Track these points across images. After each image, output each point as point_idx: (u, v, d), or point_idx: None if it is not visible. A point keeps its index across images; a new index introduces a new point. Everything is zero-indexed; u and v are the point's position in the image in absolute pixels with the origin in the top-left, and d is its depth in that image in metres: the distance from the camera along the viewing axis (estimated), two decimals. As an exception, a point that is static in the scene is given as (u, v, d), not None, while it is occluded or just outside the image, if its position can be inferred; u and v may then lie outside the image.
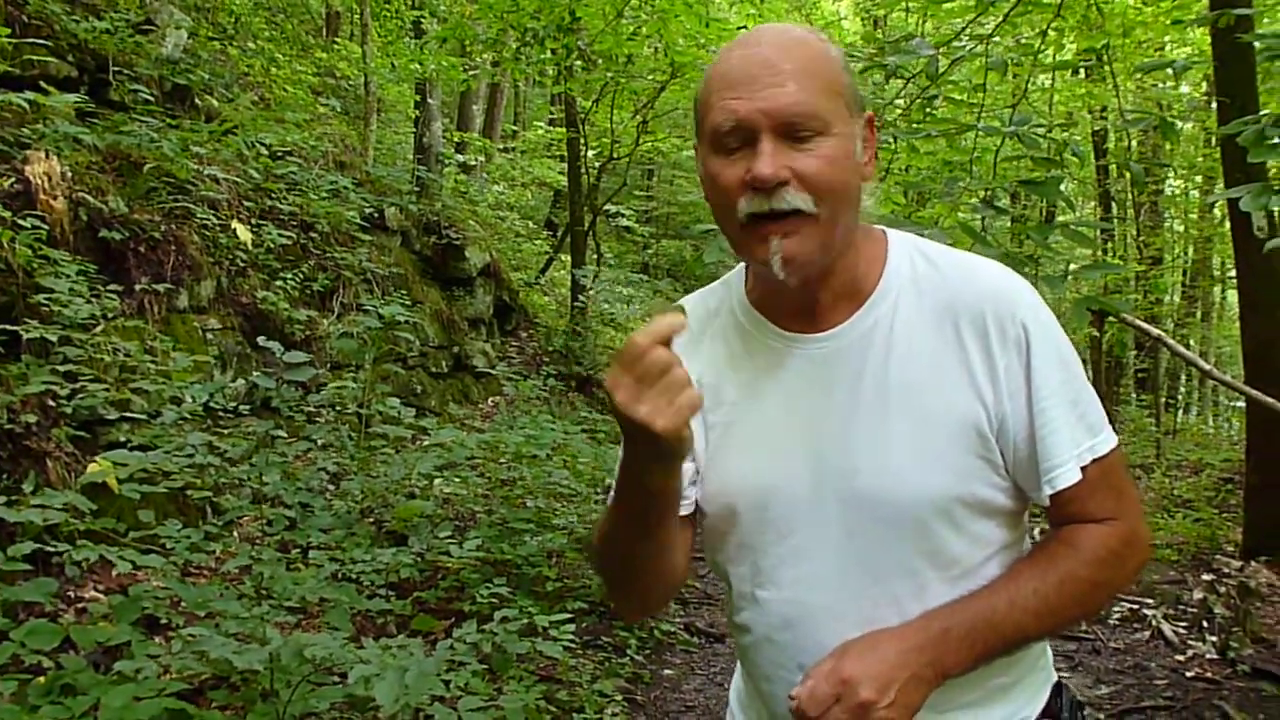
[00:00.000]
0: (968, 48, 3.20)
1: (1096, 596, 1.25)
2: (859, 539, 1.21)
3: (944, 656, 1.17)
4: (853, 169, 1.18)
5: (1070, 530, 1.23)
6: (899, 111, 3.73)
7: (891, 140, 3.50)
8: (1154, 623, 5.08)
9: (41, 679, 2.93)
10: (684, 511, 1.30)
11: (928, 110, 3.39)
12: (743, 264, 1.31)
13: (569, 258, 11.49)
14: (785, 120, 1.13)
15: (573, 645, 3.68)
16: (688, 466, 1.28)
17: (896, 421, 1.19)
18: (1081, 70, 8.43)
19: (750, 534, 1.27)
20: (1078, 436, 1.19)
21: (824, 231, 1.16)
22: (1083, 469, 1.19)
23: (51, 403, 3.79)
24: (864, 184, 1.22)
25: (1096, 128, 10.16)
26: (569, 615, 3.11)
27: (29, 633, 2.87)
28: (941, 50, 2.97)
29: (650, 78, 10.17)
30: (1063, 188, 3.11)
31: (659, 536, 1.24)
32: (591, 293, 10.68)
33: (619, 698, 4.04)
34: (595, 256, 11.86)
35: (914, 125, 3.50)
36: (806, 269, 1.17)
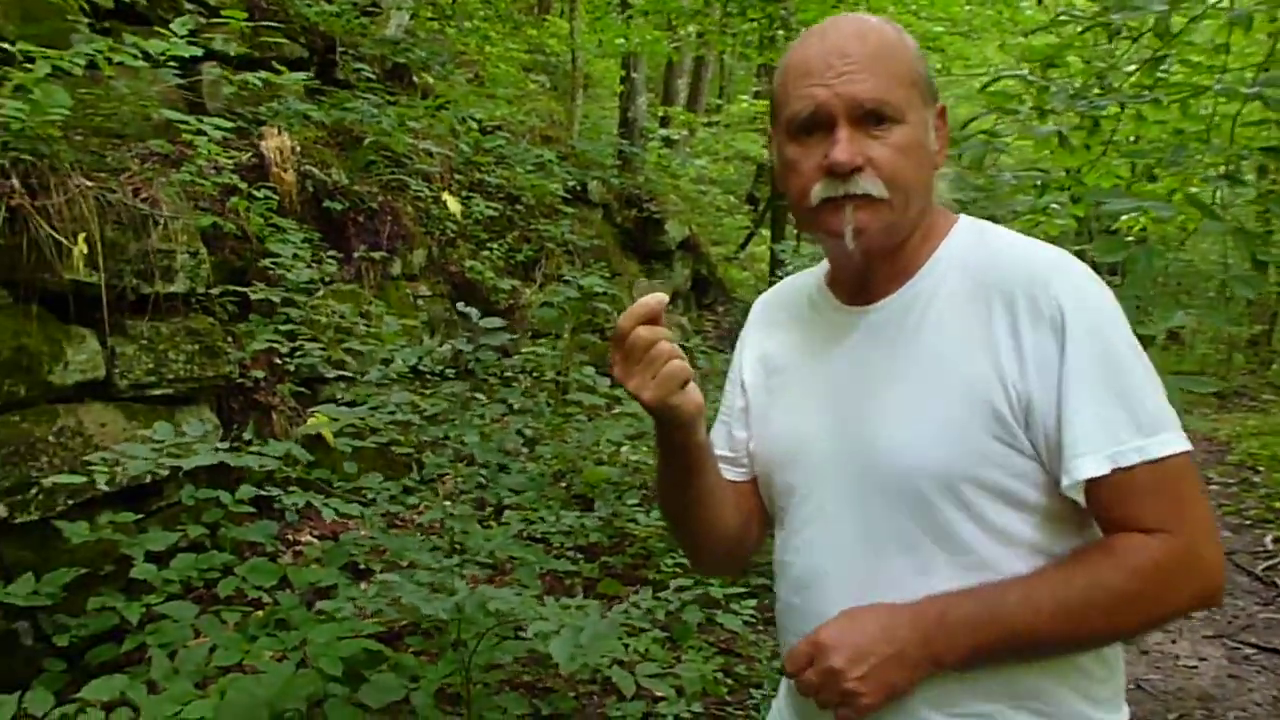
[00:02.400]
0: (1210, 1, 2.91)
1: (1131, 612, 1.12)
2: (867, 507, 1.20)
3: (936, 641, 1.13)
4: (924, 157, 1.21)
5: (1113, 537, 1.14)
6: (1129, 77, 3.45)
7: (1119, 107, 3.25)
8: None
9: (260, 613, 3.19)
10: (734, 476, 1.38)
11: (1160, 73, 3.11)
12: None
13: (769, 232, 11.38)
14: (862, 108, 1.16)
15: (753, 620, 3.66)
16: (735, 435, 1.40)
17: (914, 391, 1.18)
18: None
19: (784, 495, 1.32)
20: (1116, 430, 1.11)
21: (894, 215, 1.19)
22: (1127, 469, 1.10)
23: (277, 360, 4.09)
24: (936, 171, 1.25)
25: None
26: (748, 589, 3.08)
27: (251, 569, 3.13)
28: (1178, 6, 2.71)
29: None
30: (1316, 157, 2.79)
31: (693, 491, 1.30)
32: (790, 268, 10.53)
33: (798, 677, 3.99)
34: (795, 232, 11.69)
35: (1142, 90, 3.23)
36: (875, 242, 1.20)
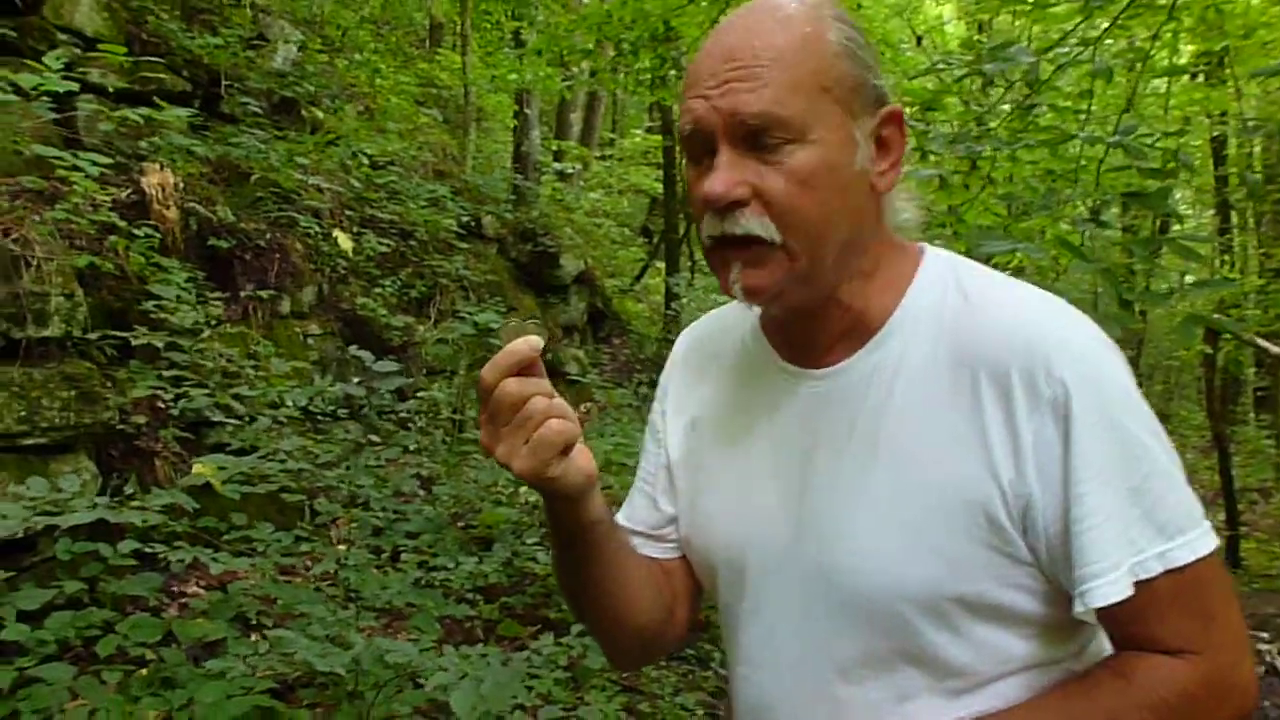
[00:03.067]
0: (1073, 53, 3.09)
1: None
2: (831, 628, 1.00)
3: None
4: (839, 185, 0.95)
5: (1127, 659, 0.96)
6: (1002, 121, 3.63)
7: (992, 150, 3.41)
8: (1269, 659, 4.83)
9: (144, 671, 3.05)
10: (656, 554, 1.17)
11: (1030, 119, 3.28)
12: None
13: (664, 265, 11.51)
14: (744, 123, 0.93)
15: (656, 657, 3.66)
16: (661, 509, 1.17)
17: (881, 490, 0.97)
18: (1200, 74, 8.09)
19: (729, 596, 1.10)
20: (1134, 537, 0.92)
21: (796, 263, 0.95)
22: (1146, 581, 0.92)
23: (160, 404, 3.95)
24: (880, 196, 1.00)
25: (1215, 134, 9.75)
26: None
27: (133, 626, 2.99)
28: (1045, 56, 2.87)
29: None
30: (1174, 198, 2.98)
31: (593, 577, 1.07)
32: (685, 301, 10.67)
33: (700, 712, 4.00)
34: (690, 264, 11.85)
35: (1015, 134, 3.40)
36: (779, 302, 0.99)
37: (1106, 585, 0.91)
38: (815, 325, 1.04)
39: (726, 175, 0.94)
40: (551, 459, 0.92)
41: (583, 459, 0.96)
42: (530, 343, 0.93)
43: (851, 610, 0.99)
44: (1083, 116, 3.51)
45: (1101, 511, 0.92)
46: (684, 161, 1.03)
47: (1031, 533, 0.94)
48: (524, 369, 0.93)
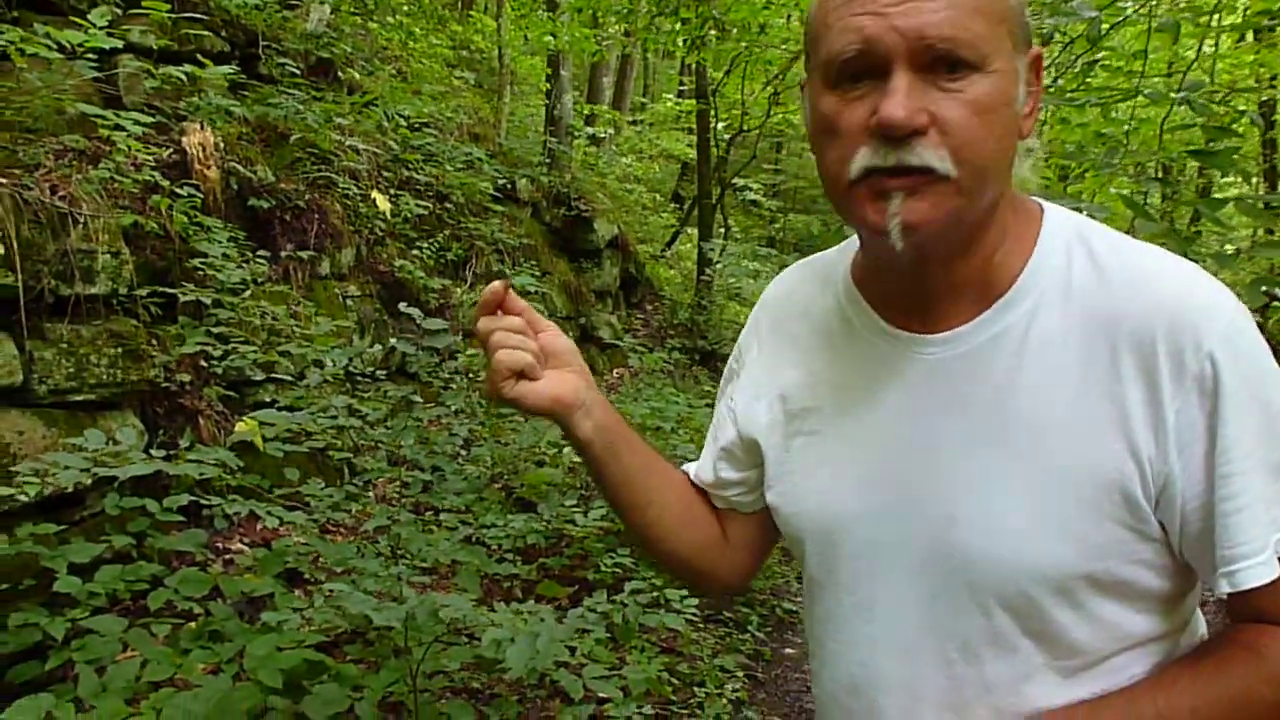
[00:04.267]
0: (1132, 9, 3.01)
1: None
2: (946, 603, 0.96)
3: None
4: (1010, 121, 0.89)
5: (1257, 632, 0.92)
6: (1052, 79, 3.54)
7: (1045, 115, 3.33)
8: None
9: (192, 625, 3.09)
10: (719, 505, 1.19)
11: (1086, 79, 3.20)
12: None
13: (696, 231, 11.44)
14: (931, 46, 0.84)
15: (694, 619, 3.67)
16: (721, 474, 1.17)
17: (1014, 465, 0.92)
18: (1249, 35, 7.88)
19: (819, 570, 1.06)
20: (1276, 516, 0.88)
21: (961, 199, 0.87)
22: None
23: (204, 363, 3.97)
24: (1021, 143, 0.92)
25: (1265, 98, 9.51)
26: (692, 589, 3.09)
27: (181, 580, 3.03)
28: (1105, 11, 2.79)
29: (784, 48, 9.98)
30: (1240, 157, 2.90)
31: (613, 491, 1.12)
32: (718, 266, 10.61)
33: (740, 673, 4.02)
34: (722, 230, 11.78)
35: (1068, 94, 3.32)
36: (932, 243, 0.90)
37: (1257, 567, 0.88)
38: (934, 279, 0.96)
39: (908, 100, 0.84)
40: (501, 383, 1.01)
41: (550, 385, 1.04)
42: (494, 286, 1.03)
43: (975, 590, 0.94)
44: (1136, 78, 3.43)
45: (1249, 492, 0.87)
46: (815, 92, 0.92)
47: (1166, 510, 0.90)
48: (489, 309, 1.03)
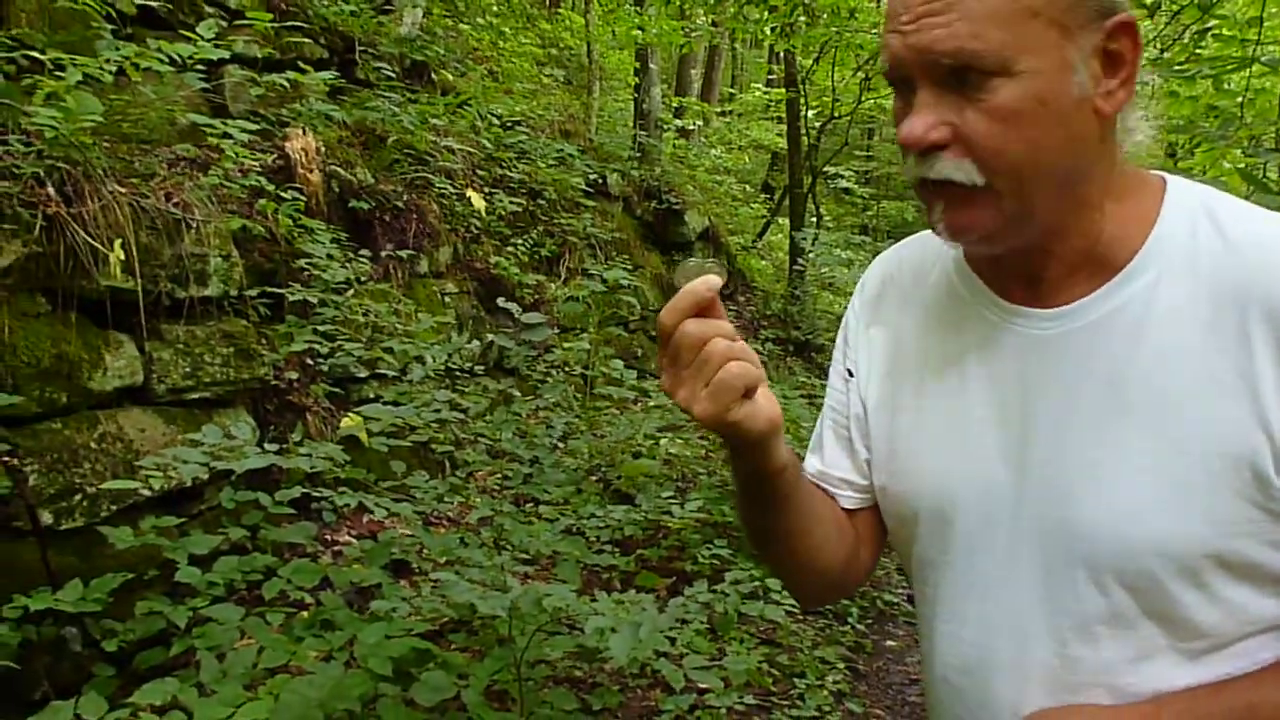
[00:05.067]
0: (1246, -25, 2.87)
1: None
2: (1063, 581, 0.94)
3: None
4: (1053, 118, 0.86)
5: None
6: (1158, 51, 3.41)
7: (1150, 85, 3.21)
8: None
9: (304, 614, 3.20)
10: (849, 505, 1.13)
11: (1196, 49, 3.07)
12: None
13: (787, 221, 11.35)
14: (938, 64, 0.86)
15: (794, 611, 3.65)
16: (843, 452, 1.12)
17: (1137, 440, 0.89)
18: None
19: (931, 549, 1.04)
20: None
21: (1007, 205, 0.88)
22: None
23: (310, 361, 4.10)
24: (1104, 123, 0.89)
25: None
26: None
27: (294, 571, 3.13)
28: (1216, -21, 2.67)
29: (874, 32, 9.82)
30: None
31: (779, 523, 1.04)
32: (810, 256, 10.50)
33: (841, 665, 3.98)
34: (814, 219, 11.66)
35: (1176, 66, 3.19)
36: (988, 244, 0.92)
37: None
38: (1040, 261, 0.95)
39: (923, 117, 0.87)
40: (732, 402, 0.88)
41: (766, 404, 0.92)
42: (709, 282, 0.88)
43: (1096, 567, 0.92)
44: (1251, 46, 3.27)
45: None
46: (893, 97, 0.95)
47: None
48: (703, 310, 0.88)
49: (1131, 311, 0.92)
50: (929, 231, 1.07)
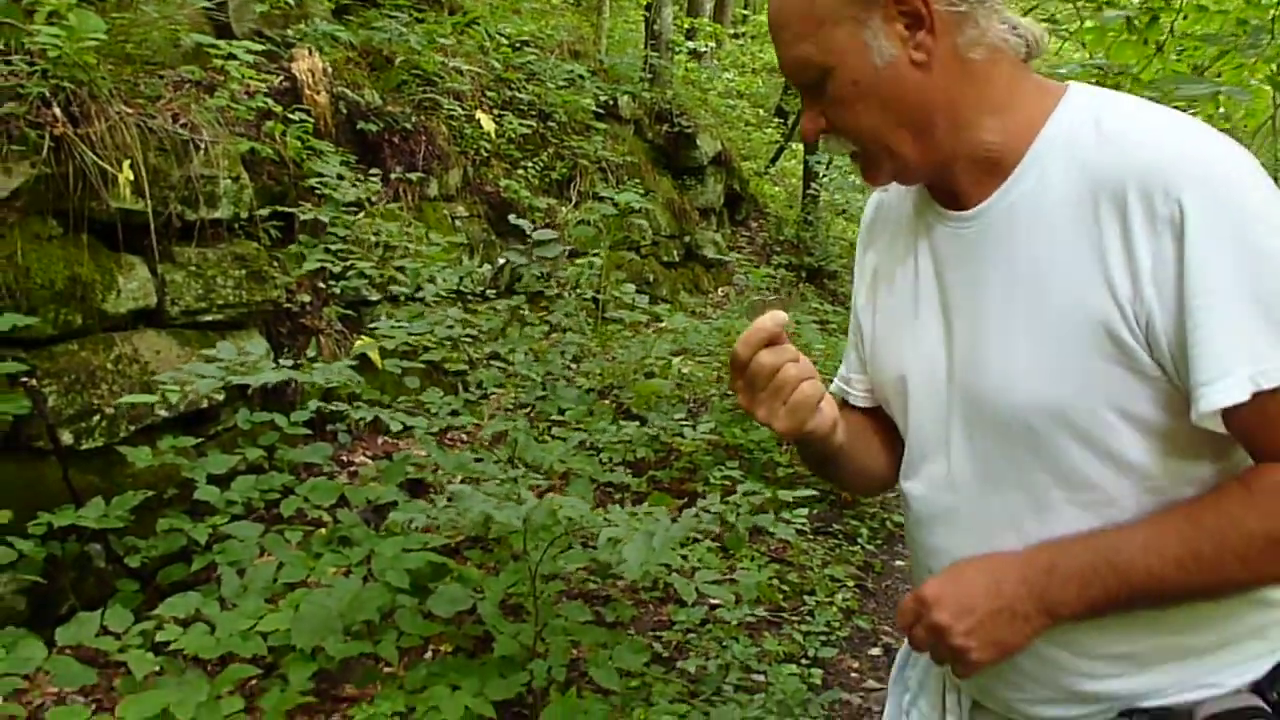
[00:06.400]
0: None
1: (1274, 557, 0.97)
2: (980, 440, 1.10)
3: (1047, 593, 1.02)
4: (879, 86, 1.04)
5: (1254, 470, 1.00)
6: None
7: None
8: None
9: (322, 531, 3.25)
10: (865, 404, 1.33)
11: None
12: None
13: (800, 147, 11.19)
14: (795, 80, 1.10)
15: (804, 530, 3.69)
16: (854, 358, 1.34)
17: (1019, 317, 1.05)
18: None
19: (899, 418, 1.24)
20: (1256, 346, 0.93)
21: (889, 152, 1.08)
22: (1270, 391, 0.93)
23: (322, 284, 4.10)
24: (946, 55, 1.03)
25: None
26: (807, 496, 3.10)
27: (311, 489, 3.18)
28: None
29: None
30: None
31: (838, 467, 1.27)
32: (824, 181, 10.39)
33: (850, 583, 4.04)
34: (827, 143, 11.48)
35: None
36: (902, 182, 1.15)
37: (1220, 391, 0.94)
38: (949, 178, 1.11)
39: (807, 119, 1.11)
40: (808, 416, 1.09)
41: (829, 408, 1.13)
42: (776, 318, 1.07)
43: (998, 427, 1.08)
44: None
45: (1214, 322, 0.94)
46: None
47: (1155, 348, 0.98)
48: (772, 341, 1.07)
49: (1023, 205, 1.06)
50: None
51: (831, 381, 1.36)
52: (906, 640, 1.25)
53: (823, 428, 1.12)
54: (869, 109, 1.06)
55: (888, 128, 1.06)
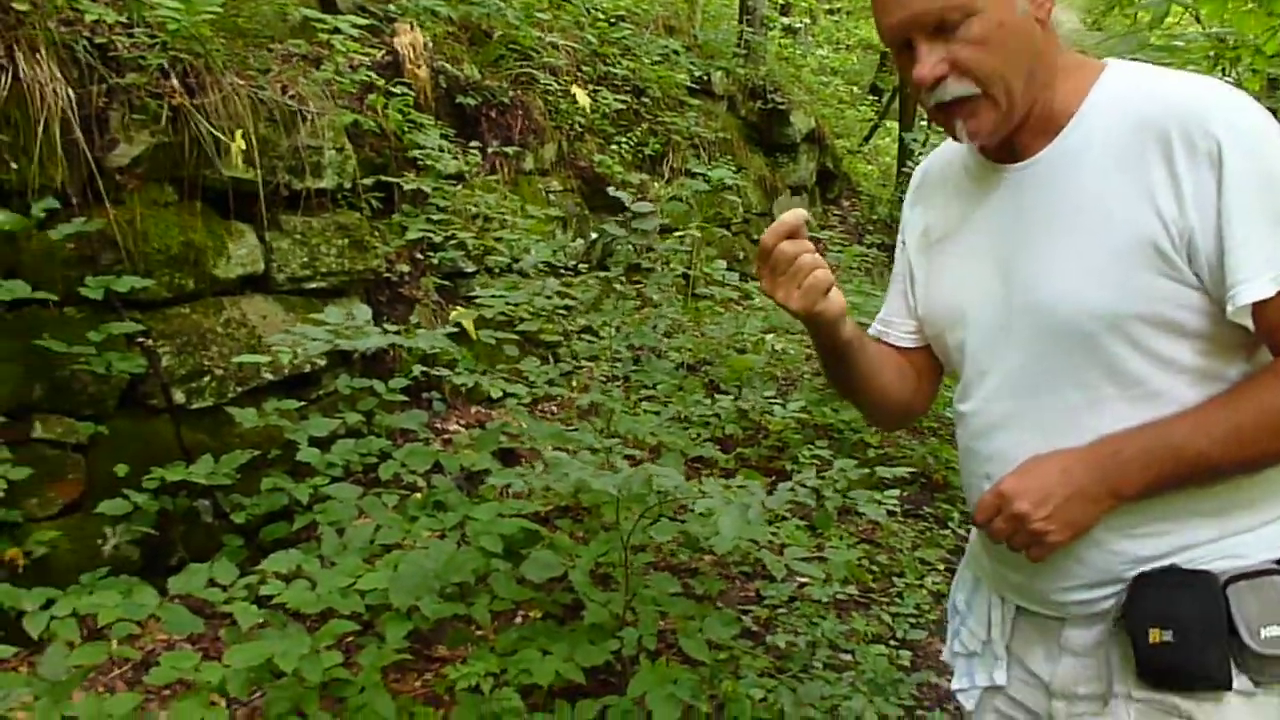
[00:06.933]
0: None
1: None
2: (1036, 349, 1.26)
3: (1112, 476, 1.19)
4: (1012, 34, 1.21)
5: (1278, 360, 1.19)
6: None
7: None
8: None
9: (418, 495, 3.33)
10: (903, 344, 1.50)
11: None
12: None
13: (894, 125, 10.98)
14: (927, 23, 1.20)
15: (894, 511, 3.64)
16: (900, 304, 1.50)
17: (1072, 238, 1.22)
18: None
19: (956, 350, 1.39)
20: (1278, 254, 1.13)
21: (999, 105, 1.23)
22: None
23: (420, 255, 4.18)
24: (1040, 30, 1.23)
25: None
26: (900, 476, 3.06)
27: (408, 454, 3.25)
28: None
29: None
30: None
31: (853, 375, 1.42)
32: (919, 155, 10.17)
33: (941, 567, 3.98)
34: (924, 121, 11.24)
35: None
36: (994, 136, 1.26)
37: (1250, 288, 1.13)
38: (1012, 136, 1.28)
39: (926, 64, 1.22)
40: (819, 298, 1.26)
41: (837, 296, 1.29)
42: (798, 214, 1.26)
43: (1055, 335, 1.24)
44: None
45: (1244, 233, 1.13)
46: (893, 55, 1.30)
47: (1195, 261, 1.16)
48: (793, 233, 1.25)
49: (1073, 153, 1.25)
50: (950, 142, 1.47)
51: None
52: (974, 539, 1.47)
53: (831, 311, 1.28)
54: (1003, 50, 1.21)
55: (1012, 70, 1.22)
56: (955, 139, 1.30)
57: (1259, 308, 1.14)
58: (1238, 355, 1.22)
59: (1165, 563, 1.22)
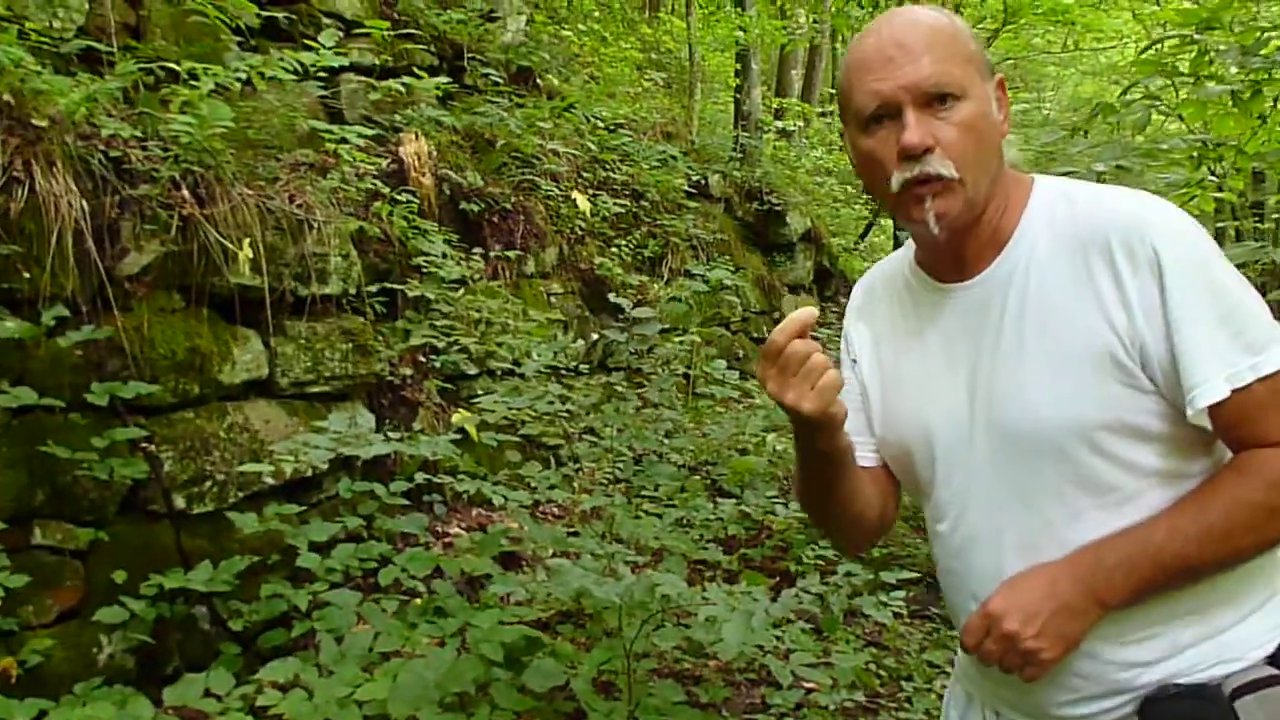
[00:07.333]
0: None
1: (1274, 522, 1.19)
2: (1008, 465, 1.26)
3: (1097, 586, 1.20)
4: (990, 130, 1.26)
5: (1243, 455, 1.22)
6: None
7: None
8: None
9: (418, 600, 3.29)
10: (866, 463, 1.44)
11: None
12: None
13: (889, 222, 11.17)
14: (925, 91, 1.22)
15: (900, 613, 3.60)
16: (860, 420, 1.45)
17: (1032, 356, 1.24)
18: None
19: (923, 470, 1.38)
20: (1229, 355, 1.17)
21: (969, 192, 1.24)
22: (1245, 388, 1.17)
23: (423, 358, 4.22)
24: (1002, 140, 1.29)
25: None
26: (906, 579, 3.04)
27: (408, 559, 3.23)
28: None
29: (979, 27, 9.62)
30: None
31: (842, 490, 1.39)
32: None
33: (949, 669, 3.90)
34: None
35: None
36: (956, 223, 1.26)
37: (1206, 391, 1.16)
38: (962, 244, 1.31)
39: (918, 129, 1.21)
40: (833, 399, 1.22)
41: (843, 400, 1.27)
42: (808, 311, 1.23)
43: (1025, 452, 1.25)
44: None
45: (1195, 339, 1.17)
46: (853, 137, 1.29)
47: (1149, 367, 1.19)
48: (803, 333, 1.21)
49: (1018, 270, 1.28)
50: (891, 255, 1.51)
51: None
52: (961, 662, 1.46)
53: (841, 414, 1.25)
54: (982, 141, 1.25)
55: (983, 164, 1.25)
56: (914, 222, 1.27)
57: (1215, 409, 1.17)
58: (1199, 453, 1.25)
59: (1160, 670, 1.22)
